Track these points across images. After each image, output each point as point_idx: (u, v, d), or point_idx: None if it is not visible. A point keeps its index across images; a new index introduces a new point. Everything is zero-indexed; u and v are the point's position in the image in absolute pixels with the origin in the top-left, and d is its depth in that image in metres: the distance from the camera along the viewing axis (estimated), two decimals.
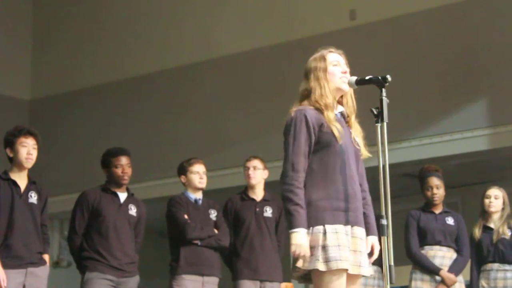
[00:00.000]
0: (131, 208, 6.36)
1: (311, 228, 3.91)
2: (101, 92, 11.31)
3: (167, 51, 10.88)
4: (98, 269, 6.12)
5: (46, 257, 5.85)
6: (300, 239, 3.87)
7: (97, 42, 11.53)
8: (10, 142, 5.75)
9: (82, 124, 11.32)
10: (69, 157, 11.24)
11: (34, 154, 5.76)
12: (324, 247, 3.86)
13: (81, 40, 11.65)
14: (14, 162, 5.76)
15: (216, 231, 6.70)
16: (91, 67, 11.46)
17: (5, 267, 5.54)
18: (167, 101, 10.76)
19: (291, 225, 3.91)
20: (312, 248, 3.88)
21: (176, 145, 10.27)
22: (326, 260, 3.84)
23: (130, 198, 6.41)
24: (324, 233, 3.88)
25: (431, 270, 6.71)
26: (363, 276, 4.02)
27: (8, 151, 5.76)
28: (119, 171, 6.32)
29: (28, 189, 5.79)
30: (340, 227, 3.91)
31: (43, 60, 12.00)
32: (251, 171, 6.94)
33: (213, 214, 6.78)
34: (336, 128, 4.00)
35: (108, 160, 6.38)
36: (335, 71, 4.08)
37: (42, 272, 5.75)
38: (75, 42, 11.68)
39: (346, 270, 3.89)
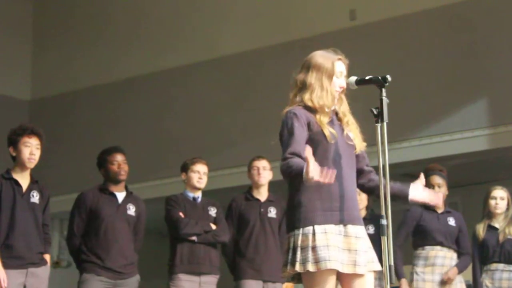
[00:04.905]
0: (129, 208, 6.35)
1: (301, 229, 3.91)
2: (101, 92, 11.30)
3: (167, 51, 10.88)
4: (95, 271, 6.14)
5: (47, 257, 5.83)
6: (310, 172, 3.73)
7: (97, 42, 11.53)
8: (14, 141, 5.71)
9: (82, 124, 11.31)
10: (69, 157, 11.23)
11: (37, 154, 5.73)
12: (313, 248, 3.85)
13: (81, 40, 11.64)
14: (17, 162, 5.73)
15: (214, 227, 6.69)
16: (91, 67, 11.46)
17: (6, 267, 5.52)
18: (167, 101, 10.75)
19: (298, 174, 3.79)
20: (302, 249, 3.88)
21: (176, 145, 10.27)
22: (316, 261, 3.84)
23: (129, 197, 6.40)
24: (314, 233, 3.88)
25: (395, 273, 6.63)
26: (375, 271, 4.00)
27: (11, 150, 5.72)
28: (115, 167, 6.31)
29: (30, 188, 5.76)
30: (330, 227, 3.90)
31: (43, 60, 12.00)
32: (261, 171, 6.93)
33: (212, 211, 6.77)
34: (327, 128, 3.99)
35: (103, 159, 6.38)
36: (336, 84, 4.06)
37: (43, 272, 5.73)
38: (75, 43, 11.68)
39: (336, 270, 3.87)
